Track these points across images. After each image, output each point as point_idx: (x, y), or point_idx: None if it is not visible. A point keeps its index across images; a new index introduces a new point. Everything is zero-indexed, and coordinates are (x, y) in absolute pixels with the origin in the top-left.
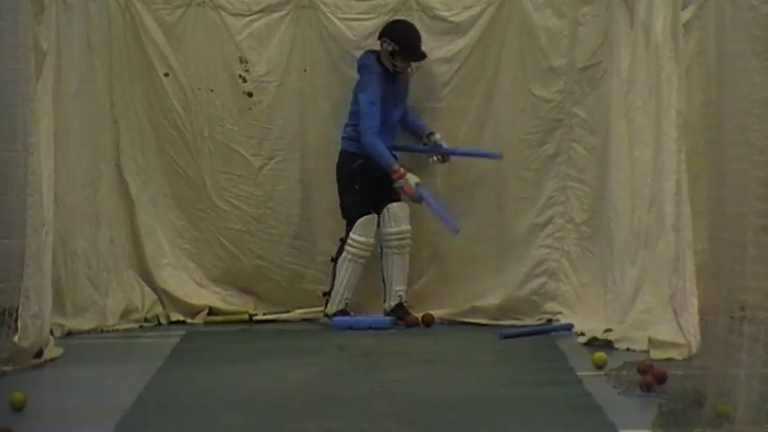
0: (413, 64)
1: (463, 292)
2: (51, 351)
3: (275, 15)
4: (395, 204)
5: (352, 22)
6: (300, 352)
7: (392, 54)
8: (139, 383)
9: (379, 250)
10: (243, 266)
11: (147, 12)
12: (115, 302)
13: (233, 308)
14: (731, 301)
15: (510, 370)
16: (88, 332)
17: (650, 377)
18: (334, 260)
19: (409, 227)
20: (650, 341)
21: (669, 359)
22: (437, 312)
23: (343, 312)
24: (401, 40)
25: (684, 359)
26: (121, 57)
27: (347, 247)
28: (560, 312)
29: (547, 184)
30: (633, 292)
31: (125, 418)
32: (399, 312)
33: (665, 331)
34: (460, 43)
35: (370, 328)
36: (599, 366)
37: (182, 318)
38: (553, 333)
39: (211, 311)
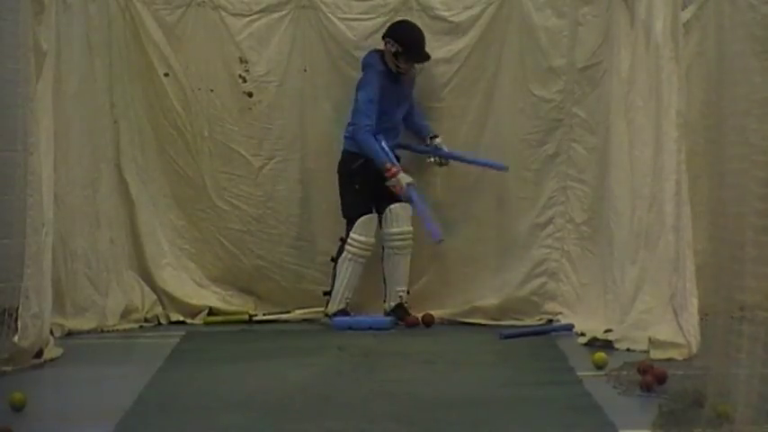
0: (416, 65)
1: (463, 292)
2: (51, 351)
3: (275, 15)
4: (397, 205)
5: (352, 22)
6: (300, 352)
7: (395, 55)
8: (139, 383)
9: (381, 250)
10: (243, 266)
11: (147, 12)
12: (115, 302)
13: (233, 308)
14: (731, 301)
15: (510, 370)
16: (88, 332)
17: (650, 377)
18: (335, 260)
19: (411, 228)
20: (650, 341)
21: (669, 359)
22: (437, 312)
23: (344, 312)
24: (404, 41)
25: (684, 359)
26: (121, 57)
27: (347, 247)
28: (560, 312)
29: (547, 184)
30: (633, 292)
31: (125, 418)
32: (399, 312)
33: (665, 331)
34: (460, 43)
35: (370, 328)
36: (599, 366)
37: (182, 318)
38: (553, 333)
39: (211, 312)
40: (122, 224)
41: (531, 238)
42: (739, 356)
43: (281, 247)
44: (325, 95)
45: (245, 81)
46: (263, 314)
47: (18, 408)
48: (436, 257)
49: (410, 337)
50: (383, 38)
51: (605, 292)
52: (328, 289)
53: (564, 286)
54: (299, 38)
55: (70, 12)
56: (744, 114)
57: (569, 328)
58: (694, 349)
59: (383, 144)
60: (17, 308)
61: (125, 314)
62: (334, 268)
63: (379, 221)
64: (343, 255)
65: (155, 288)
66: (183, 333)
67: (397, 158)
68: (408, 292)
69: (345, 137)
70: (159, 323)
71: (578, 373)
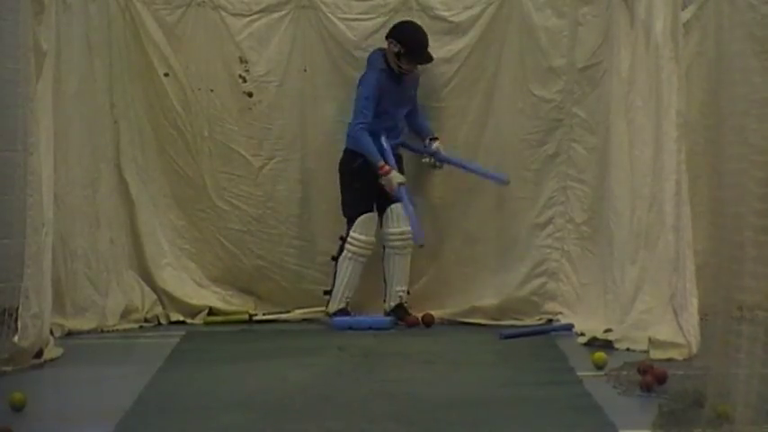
0: (419, 66)
1: (463, 292)
2: (51, 351)
3: (275, 15)
4: (398, 204)
5: (352, 22)
6: (300, 352)
7: (397, 55)
8: (139, 383)
9: (381, 250)
10: (243, 266)
11: (147, 12)
12: (115, 302)
13: (233, 308)
14: (730, 301)
15: (510, 370)
16: (88, 332)
17: (650, 377)
18: (335, 259)
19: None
20: (650, 341)
21: (669, 359)
22: (437, 312)
23: (344, 311)
24: (407, 42)
25: (684, 359)
26: (121, 57)
27: (347, 246)
28: (560, 312)
29: (547, 184)
30: (633, 292)
31: (125, 418)
32: (399, 312)
33: (665, 331)
34: (460, 43)
35: (370, 328)
36: (599, 366)
37: (182, 318)
38: (553, 333)
39: (211, 311)
40: (122, 224)
41: (531, 238)
42: (738, 356)
43: (281, 247)
44: (325, 95)
45: (245, 81)
46: (263, 314)
47: (18, 408)
48: (436, 257)
49: (410, 337)
50: (386, 38)
51: (605, 292)
52: (329, 288)
53: (564, 286)
54: (299, 38)
55: (70, 12)
56: (743, 114)
57: (569, 328)
58: (694, 349)
59: (384, 142)
60: (17, 308)
61: (125, 314)
62: (335, 267)
63: (380, 221)
64: (343, 254)
65: (155, 288)
66: (183, 333)
67: (399, 157)
68: (408, 293)
69: (347, 135)
70: (159, 323)
71: (578, 373)
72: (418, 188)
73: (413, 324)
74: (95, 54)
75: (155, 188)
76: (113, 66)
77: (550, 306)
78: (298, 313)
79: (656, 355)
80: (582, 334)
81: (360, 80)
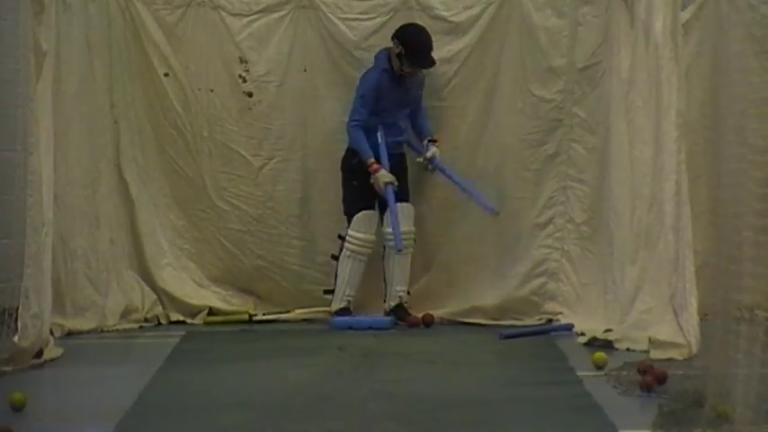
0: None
1: (463, 292)
2: (51, 351)
3: (275, 15)
4: (399, 204)
5: (352, 22)
6: (300, 352)
7: (399, 57)
8: (139, 383)
9: (382, 249)
10: (243, 266)
11: (147, 12)
12: (115, 302)
13: (233, 308)
14: (729, 301)
15: (510, 370)
16: (88, 332)
17: (650, 377)
18: (335, 258)
19: (413, 228)
20: (650, 341)
21: (669, 359)
22: (437, 312)
23: (346, 311)
24: (409, 45)
25: (684, 359)
26: (121, 57)
27: (346, 244)
28: (560, 312)
29: (547, 184)
30: (633, 292)
31: (125, 418)
32: (399, 312)
33: (665, 331)
34: (460, 43)
35: (370, 328)
36: (599, 366)
37: (182, 318)
38: (553, 333)
39: (211, 311)
40: (122, 224)
41: (531, 238)
42: (737, 357)
43: (281, 247)
44: (325, 95)
45: (245, 81)
46: (263, 314)
47: (18, 408)
48: (436, 257)
49: (410, 337)
50: (392, 38)
51: (605, 292)
52: (330, 287)
53: (564, 286)
54: (299, 38)
55: (70, 12)
56: (742, 114)
57: (569, 328)
58: (694, 349)
59: (380, 140)
60: (17, 308)
61: (125, 314)
62: (336, 266)
63: (382, 220)
64: (343, 252)
65: (155, 288)
66: (183, 333)
67: (403, 156)
68: (409, 293)
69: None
70: (159, 323)
71: (578, 373)
72: (419, 188)
73: (414, 324)
74: (95, 54)
75: (155, 188)
76: (113, 66)
77: (550, 306)
78: (298, 313)
79: (656, 355)
80: (582, 334)
81: (360, 78)
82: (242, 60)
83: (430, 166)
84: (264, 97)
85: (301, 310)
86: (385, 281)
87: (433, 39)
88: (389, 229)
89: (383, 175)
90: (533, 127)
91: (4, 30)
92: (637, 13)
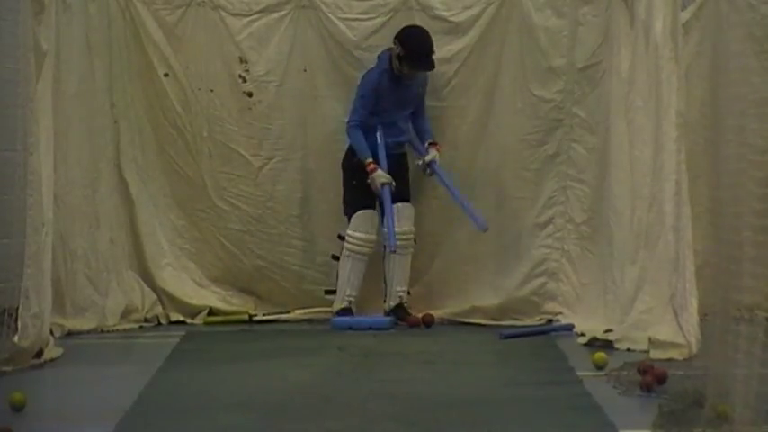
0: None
1: (463, 292)
2: (51, 351)
3: (275, 15)
4: (399, 204)
5: (352, 22)
6: (300, 352)
7: (399, 58)
8: (139, 383)
9: (383, 250)
10: (243, 266)
11: (147, 12)
12: (115, 302)
13: (233, 308)
14: (729, 301)
15: (510, 370)
16: (88, 332)
17: (650, 377)
18: (336, 258)
19: (413, 228)
20: (650, 341)
21: (669, 359)
22: (437, 312)
23: (347, 311)
24: (408, 47)
25: (684, 359)
26: (121, 57)
27: (346, 244)
28: (560, 312)
29: (547, 184)
30: (633, 292)
31: (125, 418)
32: (399, 312)
33: (665, 331)
34: (460, 43)
35: (370, 328)
36: (599, 366)
37: (182, 318)
38: (553, 333)
39: (211, 312)
40: (122, 224)
41: (530, 238)
42: (737, 357)
43: (281, 247)
44: (325, 95)
45: (245, 81)
46: (263, 314)
47: (18, 408)
48: (436, 257)
49: (410, 337)
50: (394, 39)
51: (605, 292)
52: (331, 288)
53: (564, 286)
54: (299, 38)
55: (70, 12)
56: (742, 114)
57: (569, 328)
58: (694, 349)
59: (379, 140)
60: (17, 308)
61: (125, 314)
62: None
63: (382, 220)
64: (343, 252)
65: (155, 288)
66: (183, 333)
67: (402, 156)
68: (409, 293)
69: None
70: (159, 323)
71: (578, 373)
72: (419, 188)
73: (414, 324)
74: (95, 54)
75: (155, 188)
76: (113, 66)
77: (550, 306)
78: (298, 313)
79: (656, 355)
80: (582, 334)
81: (362, 78)
82: (242, 60)
83: (428, 170)
84: (264, 97)
85: (301, 311)
86: (385, 281)
87: (434, 39)
88: (396, 229)
89: (379, 176)
90: (533, 127)
91: (4, 30)
92: (637, 13)
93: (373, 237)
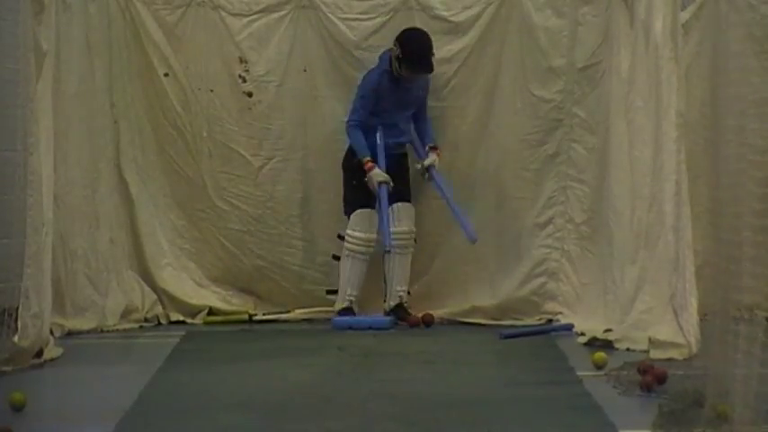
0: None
1: (463, 291)
2: (51, 351)
3: (275, 15)
4: (400, 204)
5: (352, 22)
6: (300, 352)
7: (397, 59)
8: (139, 383)
9: (383, 249)
10: (243, 266)
11: (147, 12)
12: (115, 302)
13: (233, 308)
14: (729, 301)
15: (510, 370)
16: (88, 332)
17: (650, 377)
18: (336, 258)
19: (413, 228)
20: (650, 341)
21: (669, 359)
22: (437, 312)
23: (349, 310)
24: (406, 48)
25: (684, 359)
26: (121, 57)
27: (346, 244)
28: (560, 312)
29: (547, 184)
30: (633, 292)
31: (125, 418)
32: (399, 312)
33: (665, 331)
34: (460, 43)
35: (370, 328)
36: (599, 366)
37: (182, 318)
38: (553, 333)
39: (211, 311)
40: (122, 224)
41: (530, 238)
42: (737, 356)
43: (281, 247)
44: (325, 95)
45: (244, 81)
46: (263, 314)
47: (18, 408)
48: (436, 257)
49: (410, 337)
50: (394, 40)
51: (605, 292)
52: (333, 288)
53: (564, 286)
54: (299, 38)
55: (70, 12)
56: (742, 114)
57: (569, 327)
58: (694, 349)
59: (379, 140)
60: (17, 308)
61: (125, 314)
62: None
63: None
64: (343, 252)
65: (155, 288)
66: (183, 333)
67: (402, 156)
68: (409, 293)
69: None
70: (159, 323)
71: (578, 373)
72: (419, 188)
73: (414, 324)
74: (95, 54)
75: (155, 188)
76: (113, 66)
77: (550, 306)
78: (298, 313)
79: (656, 355)
80: (582, 334)
81: (363, 78)
82: (242, 60)
83: (426, 175)
84: (264, 97)
85: (301, 310)
86: (385, 281)
87: (433, 39)
88: (391, 229)
89: (377, 174)
90: (533, 127)
91: (4, 30)
92: (637, 13)
93: (373, 235)
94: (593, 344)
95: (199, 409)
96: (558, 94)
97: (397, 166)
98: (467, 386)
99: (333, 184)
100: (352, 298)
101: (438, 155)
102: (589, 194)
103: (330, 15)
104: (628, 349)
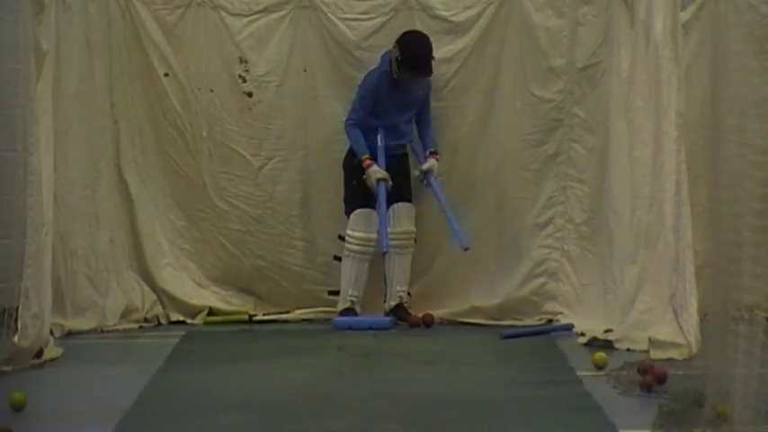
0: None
1: (463, 291)
2: (51, 351)
3: (275, 15)
4: (400, 204)
5: (352, 22)
6: (300, 352)
7: (396, 61)
8: (139, 383)
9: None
10: (243, 266)
11: (147, 12)
12: (115, 302)
13: (233, 308)
14: (728, 301)
15: (510, 370)
16: (88, 332)
17: (650, 377)
18: (338, 258)
19: (413, 228)
20: (650, 341)
21: (669, 359)
22: (437, 312)
23: (350, 311)
24: (406, 51)
25: (684, 359)
26: (121, 57)
27: (346, 244)
28: (560, 312)
29: (547, 184)
30: (633, 292)
31: (125, 418)
32: (399, 312)
33: (665, 331)
34: (460, 43)
35: (370, 328)
36: (599, 366)
37: (182, 318)
38: (553, 333)
39: (211, 312)
40: (122, 224)
41: (530, 238)
42: (737, 356)
43: (281, 247)
44: (325, 95)
45: (244, 81)
46: (263, 314)
47: (18, 408)
48: (436, 257)
49: (410, 337)
50: (395, 42)
51: (605, 292)
52: (334, 288)
53: (564, 286)
54: (299, 38)
55: (70, 12)
56: (742, 114)
57: (569, 328)
58: (694, 349)
59: (379, 140)
60: (17, 308)
61: (125, 314)
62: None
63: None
64: (344, 253)
65: (155, 288)
66: (183, 333)
67: (402, 156)
68: (409, 294)
69: None
70: (159, 323)
71: (578, 373)
72: (420, 188)
73: (415, 324)
74: (95, 54)
75: (155, 188)
76: (113, 66)
77: (550, 306)
78: (298, 313)
79: (656, 355)
80: (582, 334)
81: (363, 78)
82: (242, 60)
83: (424, 180)
84: (264, 97)
85: (301, 311)
86: (385, 281)
87: (433, 39)
88: (391, 229)
89: (375, 171)
90: (533, 127)
91: (4, 30)
92: (637, 13)
93: (372, 235)
94: (594, 344)
95: (199, 409)
96: (558, 94)
97: (398, 166)
98: (467, 386)
99: (333, 184)
100: (353, 298)
101: (437, 160)
102: (589, 194)
103: (330, 15)
104: (628, 349)
